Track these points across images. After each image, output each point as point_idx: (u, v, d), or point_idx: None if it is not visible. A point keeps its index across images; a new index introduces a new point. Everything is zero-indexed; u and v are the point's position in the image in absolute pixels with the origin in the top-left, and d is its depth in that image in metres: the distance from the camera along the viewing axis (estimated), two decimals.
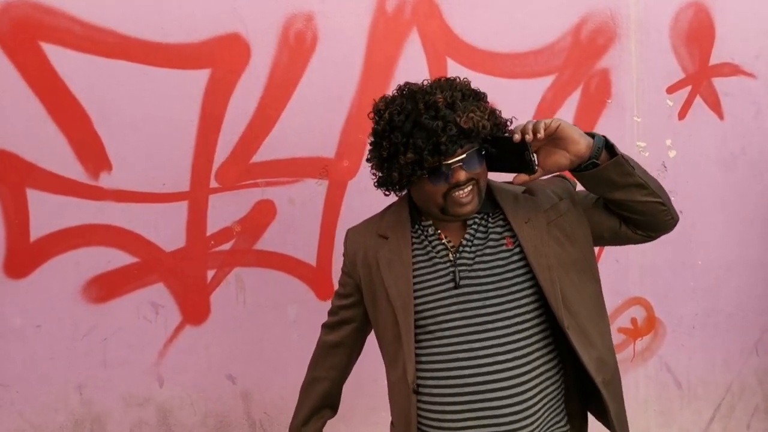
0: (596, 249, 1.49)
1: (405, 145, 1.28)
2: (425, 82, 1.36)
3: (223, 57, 2.04)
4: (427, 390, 1.35)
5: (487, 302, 1.33)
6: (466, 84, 1.36)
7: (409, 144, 1.27)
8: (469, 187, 1.31)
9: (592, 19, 2.43)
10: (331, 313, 1.58)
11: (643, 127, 2.49)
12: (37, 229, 1.94)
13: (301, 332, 2.13)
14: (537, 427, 1.31)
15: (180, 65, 2.01)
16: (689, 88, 2.55)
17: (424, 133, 1.26)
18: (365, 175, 2.18)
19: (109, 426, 2.01)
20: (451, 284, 1.35)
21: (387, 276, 1.40)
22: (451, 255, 1.37)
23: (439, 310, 1.35)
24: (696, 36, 2.56)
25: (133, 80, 1.98)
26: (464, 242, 1.38)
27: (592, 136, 1.31)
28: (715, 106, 2.59)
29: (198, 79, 2.03)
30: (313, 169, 2.14)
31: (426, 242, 1.41)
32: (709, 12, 2.57)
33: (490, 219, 1.40)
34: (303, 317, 2.13)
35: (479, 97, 1.36)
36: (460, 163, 1.29)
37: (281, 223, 2.12)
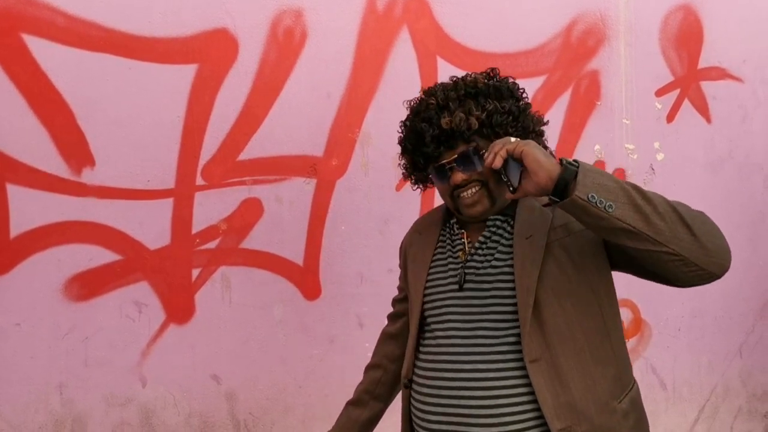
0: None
1: (404, 150, 1.38)
2: (437, 84, 1.36)
3: (210, 52, 2.01)
4: (417, 386, 1.35)
5: (487, 308, 1.27)
6: (473, 81, 1.31)
7: (407, 148, 1.36)
8: (474, 188, 1.28)
9: (583, 21, 2.43)
10: (392, 305, 1.61)
11: (632, 130, 2.50)
12: (18, 226, 1.89)
13: (287, 332, 2.11)
14: None
15: (166, 60, 1.98)
16: (678, 91, 2.56)
17: (413, 137, 1.32)
18: (354, 174, 2.17)
19: (90, 426, 1.97)
20: (456, 286, 1.31)
21: (411, 272, 1.44)
22: (464, 256, 1.33)
23: (443, 310, 1.32)
24: (685, 39, 2.57)
25: (118, 74, 1.94)
26: (478, 244, 1.32)
27: (575, 164, 1.11)
28: (703, 109, 2.61)
29: (185, 74, 2.00)
30: (301, 167, 2.12)
31: (449, 241, 1.38)
32: (698, 16, 2.58)
33: (510, 224, 1.31)
34: (289, 317, 2.11)
35: (489, 94, 1.29)
36: (454, 164, 1.28)
37: (268, 222, 2.09)
